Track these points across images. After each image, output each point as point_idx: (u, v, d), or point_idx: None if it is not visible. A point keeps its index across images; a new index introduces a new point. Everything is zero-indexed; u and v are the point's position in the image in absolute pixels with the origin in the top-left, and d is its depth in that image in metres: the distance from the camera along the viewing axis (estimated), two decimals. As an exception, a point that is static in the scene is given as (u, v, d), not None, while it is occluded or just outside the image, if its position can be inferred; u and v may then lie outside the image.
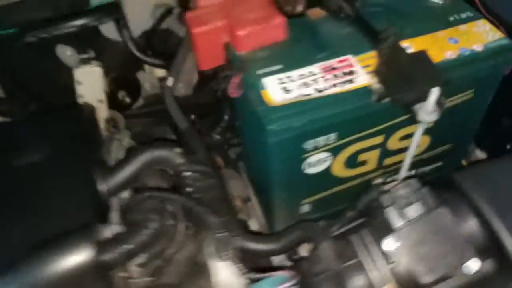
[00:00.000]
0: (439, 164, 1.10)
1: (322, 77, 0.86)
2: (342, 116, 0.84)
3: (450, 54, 0.88)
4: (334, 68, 0.87)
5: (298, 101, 0.82)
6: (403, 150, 0.97)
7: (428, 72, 0.80)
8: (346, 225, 0.82)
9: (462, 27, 0.94)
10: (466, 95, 0.93)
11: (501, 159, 0.89)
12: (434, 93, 0.76)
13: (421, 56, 0.83)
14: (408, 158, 0.89)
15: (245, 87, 0.88)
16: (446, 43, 0.91)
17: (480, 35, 0.92)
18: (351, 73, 0.86)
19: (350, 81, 0.85)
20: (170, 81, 1.07)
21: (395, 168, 1.04)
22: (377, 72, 0.83)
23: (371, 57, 0.88)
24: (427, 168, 1.10)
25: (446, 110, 0.88)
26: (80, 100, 1.12)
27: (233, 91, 0.87)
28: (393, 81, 0.80)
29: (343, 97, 0.83)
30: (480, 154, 1.16)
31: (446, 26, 0.95)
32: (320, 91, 0.84)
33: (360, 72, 0.86)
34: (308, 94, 0.83)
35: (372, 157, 0.98)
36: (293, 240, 0.90)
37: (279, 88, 0.84)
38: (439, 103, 0.78)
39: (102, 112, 1.15)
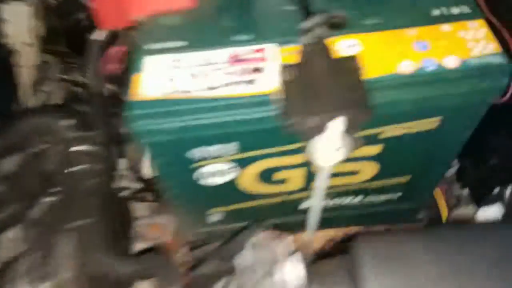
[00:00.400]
0: (396, 195, 0.86)
1: (225, 69, 0.65)
2: (234, 127, 0.64)
3: (405, 66, 0.62)
4: (243, 60, 0.66)
5: (175, 98, 0.62)
6: (338, 174, 0.76)
7: (348, 90, 0.56)
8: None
9: (445, 27, 0.66)
10: (428, 122, 0.68)
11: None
12: (337, 124, 0.53)
13: (349, 64, 0.58)
14: (316, 199, 0.67)
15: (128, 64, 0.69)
16: (409, 47, 0.64)
17: (465, 43, 0.64)
18: (258, 70, 0.64)
19: (251, 82, 0.63)
20: (99, 34, 0.91)
21: (334, 191, 0.83)
22: (284, 78, 0.60)
23: (297, 52, 0.65)
24: (379, 198, 0.86)
25: (396, 138, 0.65)
26: (7, 40, 1.00)
27: (110, 65, 0.69)
28: (296, 95, 0.58)
29: (234, 103, 0.62)
30: (460, 191, 0.90)
31: (423, 21, 0.67)
32: (211, 89, 0.63)
33: (270, 71, 0.63)
34: (189, 91, 0.63)
35: (294, 176, 0.77)
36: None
37: (164, 74, 0.64)
38: (349, 137, 0.56)
39: (30, 57, 1.02)
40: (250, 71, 0.64)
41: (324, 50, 0.59)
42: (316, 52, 0.59)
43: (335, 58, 0.60)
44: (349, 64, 0.58)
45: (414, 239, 0.56)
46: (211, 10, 0.73)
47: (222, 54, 0.66)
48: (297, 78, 0.59)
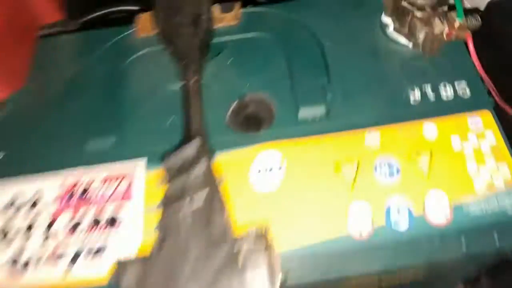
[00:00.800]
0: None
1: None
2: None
3: (356, 229, 0.36)
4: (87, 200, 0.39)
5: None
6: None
7: None
8: None
9: (428, 128, 0.39)
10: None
11: None
12: None
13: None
14: None
15: None
16: (369, 176, 0.38)
17: (462, 164, 0.37)
18: (114, 222, 0.38)
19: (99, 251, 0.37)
20: None
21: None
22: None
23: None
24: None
25: None
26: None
27: None
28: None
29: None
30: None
31: (392, 118, 0.40)
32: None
33: (132, 229, 0.38)
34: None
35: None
36: None
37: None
38: None
39: None
40: (106, 225, 0.38)
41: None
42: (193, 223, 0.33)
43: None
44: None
45: None
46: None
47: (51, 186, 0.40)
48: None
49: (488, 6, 0.50)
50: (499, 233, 0.35)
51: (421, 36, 0.39)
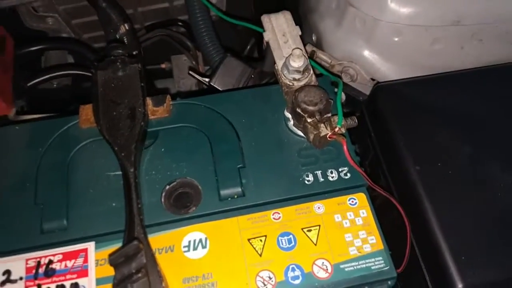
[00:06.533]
0: None
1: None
2: None
3: (261, 281, 0.47)
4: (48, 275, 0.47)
5: None
6: None
7: None
8: None
9: (317, 208, 0.52)
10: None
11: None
12: None
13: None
14: None
15: None
16: (272, 243, 0.49)
17: (341, 235, 0.50)
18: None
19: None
20: None
21: None
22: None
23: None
24: None
25: None
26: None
27: None
28: None
29: None
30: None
31: (289, 196, 0.52)
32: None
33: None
34: None
35: None
36: None
37: None
38: None
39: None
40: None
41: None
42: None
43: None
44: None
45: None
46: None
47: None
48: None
49: (375, 87, 0.65)
50: (368, 284, 0.48)
51: (311, 136, 0.52)
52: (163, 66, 0.94)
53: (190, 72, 0.77)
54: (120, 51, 0.60)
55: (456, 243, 0.50)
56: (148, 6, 0.90)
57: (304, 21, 0.81)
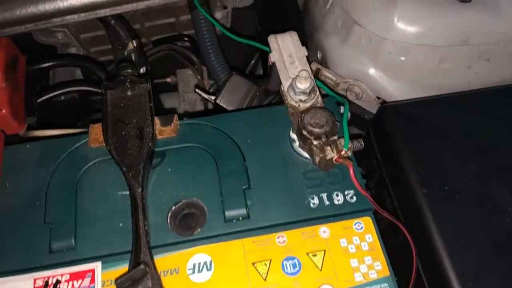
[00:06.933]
0: None
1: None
2: None
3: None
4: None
5: None
6: None
7: None
8: None
9: (322, 231, 0.52)
10: None
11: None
12: None
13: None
14: None
15: None
16: (276, 269, 0.49)
17: (347, 260, 0.50)
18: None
19: None
20: None
21: None
22: None
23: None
24: None
25: None
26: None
27: None
28: None
29: None
30: None
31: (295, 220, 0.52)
32: None
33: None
34: None
35: None
36: None
37: None
38: None
39: None
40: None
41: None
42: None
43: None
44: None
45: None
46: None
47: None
48: None
49: (381, 108, 0.65)
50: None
51: (317, 159, 0.52)
52: (168, 80, 0.95)
53: (197, 90, 0.78)
54: (130, 70, 0.61)
55: (463, 268, 0.49)
56: (155, 21, 0.91)
57: (309, 39, 0.81)
